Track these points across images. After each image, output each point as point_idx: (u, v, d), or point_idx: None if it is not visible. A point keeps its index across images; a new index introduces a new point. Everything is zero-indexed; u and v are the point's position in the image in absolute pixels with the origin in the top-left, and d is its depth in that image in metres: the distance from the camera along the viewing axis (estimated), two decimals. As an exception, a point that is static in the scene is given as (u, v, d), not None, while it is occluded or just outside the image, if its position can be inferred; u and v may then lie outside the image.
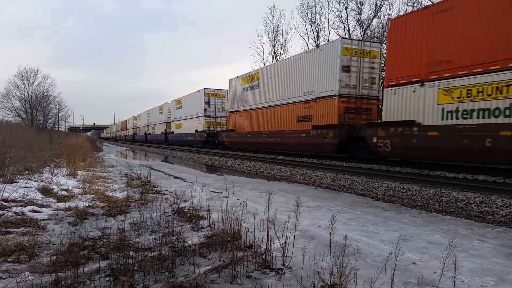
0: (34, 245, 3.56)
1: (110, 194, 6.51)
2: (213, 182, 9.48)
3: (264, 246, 3.48)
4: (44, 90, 49.69)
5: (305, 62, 18.09)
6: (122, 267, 3.01)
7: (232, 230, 3.98)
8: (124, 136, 74.91)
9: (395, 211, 6.05)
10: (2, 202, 5.02)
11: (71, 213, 5.06)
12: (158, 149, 33.50)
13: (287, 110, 19.54)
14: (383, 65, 18.84)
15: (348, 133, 15.17)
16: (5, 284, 2.74)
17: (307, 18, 40.41)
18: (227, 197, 6.38)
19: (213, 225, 4.52)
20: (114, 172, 11.18)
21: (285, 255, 3.28)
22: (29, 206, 5.11)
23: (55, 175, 7.95)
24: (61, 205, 5.53)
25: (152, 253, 3.35)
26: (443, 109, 10.90)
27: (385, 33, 26.45)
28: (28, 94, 48.91)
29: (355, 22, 35.30)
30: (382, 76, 18.34)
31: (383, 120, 13.27)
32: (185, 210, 5.34)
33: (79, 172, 9.25)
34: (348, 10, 35.37)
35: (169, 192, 7.31)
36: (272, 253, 3.31)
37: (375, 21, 33.59)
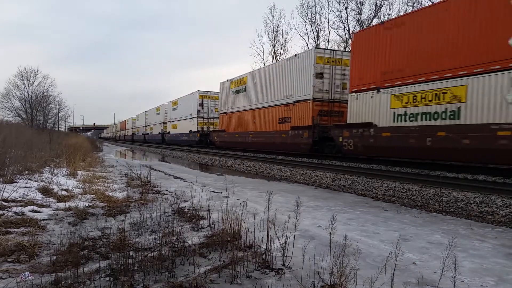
0: (34, 245, 3.56)
1: (110, 194, 6.51)
2: (213, 182, 9.48)
3: (264, 246, 3.48)
4: (44, 90, 49.79)
5: (286, 68, 19.38)
6: (122, 267, 3.00)
7: (232, 230, 3.97)
8: (123, 136, 75.73)
9: (395, 211, 6.05)
10: (2, 202, 5.02)
11: (71, 213, 5.06)
12: (157, 149, 33.67)
13: (270, 112, 20.77)
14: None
15: (320, 133, 16.53)
16: (5, 284, 2.74)
17: (307, 18, 40.60)
18: (227, 197, 6.38)
19: (213, 225, 4.51)
20: (114, 172, 11.18)
21: (285, 255, 3.28)
22: (29, 206, 5.10)
23: (55, 175, 7.94)
24: (61, 205, 5.53)
25: (152, 253, 3.34)
26: (394, 112, 12.26)
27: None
28: (28, 94, 48.99)
29: (355, 22, 35.40)
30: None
31: (348, 122, 14.52)
32: (185, 210, 5.33)
33: (79, 172, 9.24)
34: (348, 10, 35.52)
35: (169, 192, 7.31)
36: (272, 253, 3.31)
37: (375, 21, 33.73)
